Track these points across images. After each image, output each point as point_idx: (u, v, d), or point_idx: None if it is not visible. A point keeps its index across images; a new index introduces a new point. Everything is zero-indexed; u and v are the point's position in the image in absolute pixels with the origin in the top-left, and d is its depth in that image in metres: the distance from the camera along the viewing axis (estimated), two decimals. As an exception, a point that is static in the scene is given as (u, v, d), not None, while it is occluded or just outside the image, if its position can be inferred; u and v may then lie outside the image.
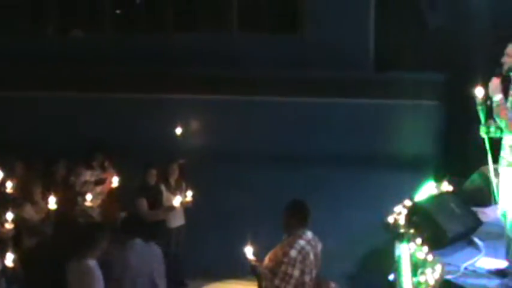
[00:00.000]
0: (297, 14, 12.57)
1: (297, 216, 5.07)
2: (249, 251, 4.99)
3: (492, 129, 5.74)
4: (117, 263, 5.89)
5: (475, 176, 8.67)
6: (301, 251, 4.97)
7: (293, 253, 4.94)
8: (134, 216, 7.15)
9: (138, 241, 6.03)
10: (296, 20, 12.57)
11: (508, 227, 5.76)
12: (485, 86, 5.61)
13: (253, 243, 4.99)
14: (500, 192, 5.86)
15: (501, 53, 5.64)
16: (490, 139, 5.88)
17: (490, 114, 5.69)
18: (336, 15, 12.11)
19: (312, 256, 5.05)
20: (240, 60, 12.02)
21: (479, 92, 5.67)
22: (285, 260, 4.93)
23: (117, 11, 14.55)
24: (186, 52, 12.30)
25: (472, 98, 5.85)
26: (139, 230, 6.19)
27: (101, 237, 5.47)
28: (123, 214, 7.47)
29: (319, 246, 5.17)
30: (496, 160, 5.89)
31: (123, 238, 6.04)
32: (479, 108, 5.71)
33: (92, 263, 5.33)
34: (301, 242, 5.00)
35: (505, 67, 5.56)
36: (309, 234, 5.09)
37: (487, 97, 5.61)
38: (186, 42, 12.59)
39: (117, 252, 5.93)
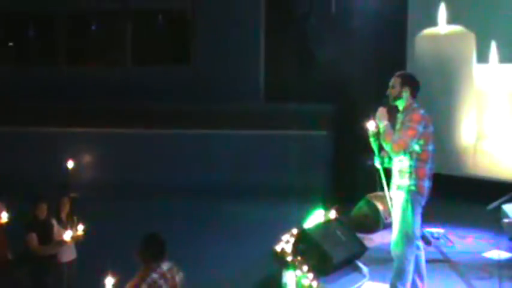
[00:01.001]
0: (189, 47, 12.70)
1: (150, 250, 5.09)
2: (109, 283, 4.99)
3: (386, 160, 6.07)
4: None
5: (361, 204, 9.01)
6: (152, 284, 4.99)
7: (143, 287, 4.95)
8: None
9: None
10: (188, 52, 12.70)
11: (392, 246, 6.00)
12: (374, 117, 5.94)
13: (113, 274, 4.95)
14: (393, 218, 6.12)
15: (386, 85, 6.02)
16: (384, 169, 6.18)
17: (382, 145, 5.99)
18: (227, 47, 12.32)
19: None
20: (134, 93, 12.04)
21: (371, 125, 5.99)
22: None
23: (10, 44, 14.41)
24: (80, 86, 12.23)
25: (358, 127, 6.16)
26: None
27: None
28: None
29: (178, 277, 5.20)
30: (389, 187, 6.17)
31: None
32: (371, 139, 6.04)
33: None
34: (154, 275, 5.01)
35: (390, 98, 5.94)
36: (165, 266, 5.11)
37: (377, 126, 5.94)
38: (79, 76, 12.52)
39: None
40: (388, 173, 6.19)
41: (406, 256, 5.88)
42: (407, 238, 5.85)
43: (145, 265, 5.04)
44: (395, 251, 5.93)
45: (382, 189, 6.40)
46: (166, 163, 11.35)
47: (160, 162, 11.39)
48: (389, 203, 6.52)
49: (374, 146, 6.07)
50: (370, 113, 6.02)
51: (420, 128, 5.74)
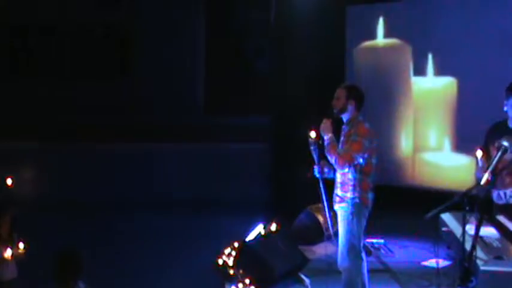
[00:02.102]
0: (128, 61, 12.59)
1: (67, 268, 4.96)
2: None
3: (326, 169, 6.04)
4: None
5: (302, 215, 9.03)
6: None
7: None
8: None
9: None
10: (127, 66, 12.58)
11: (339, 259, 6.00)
12: (317, 128, 5.93)
13: None
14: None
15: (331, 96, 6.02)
16: (324, 179, 6.16)
17: (323, 155, 5.98)
18: (166, 60, 12.25)
19: None
20: (74, 107, 11.87)
21: (312, 133, 5.97)
22: None
23: None
24: (19, 100, 12.00)
25: (298, 139, 6.16)
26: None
27: None
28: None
29: None
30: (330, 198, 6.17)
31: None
32: (312, 149, 6.00)
33: None
34: None
35: (335, 109, 5.94)
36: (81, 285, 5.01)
37: (320, 137, 5.92)
38: (20, 90, 12.27)
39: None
40: (328, 183, 6.21)
41: (354, 268, 5.90)
42: (354, 250, 5.86)
43: (62, 284, 4.88)
44: (342, 264, 5.93)
45: (322, 200, 6.41)
46: (106, 178, 11.16)
47: (100, 177, 11.19)
48: (327, 214, 6.57)
49: (314, 155, 6.04)
50: (311, 123, 6.03)
51: (367, 143, 5.77)
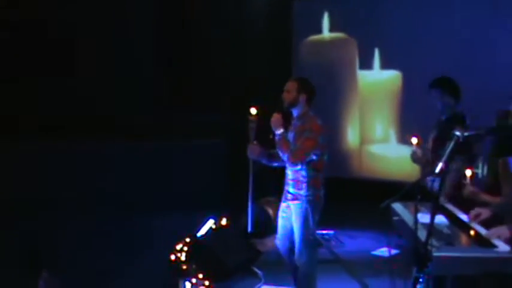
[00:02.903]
0: (73, 56, 12.36)
1: (31, 259, 4.91)
2: None
3: (258, 151, 5.97)
4: None
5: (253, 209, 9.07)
6: None
7: None
8: None
9: None
10: (72, 62, 12.35)
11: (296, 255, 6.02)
12: (258, 106, 5.88)
13: None
14: (279, 224, 6.15)
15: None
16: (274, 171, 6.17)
17: (258, 135, 5.98)
18: (118, 57, 12.10)
19: None
20: (18, 104, 11.64)
21: (253, 110, 5.97)
22: None
23: None
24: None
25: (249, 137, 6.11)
26: None
27: None
28: None
29: None
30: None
31: None
32: (250, 126, 5.99)
33: None
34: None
35: (285, 103, 5.85)
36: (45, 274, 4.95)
37: (258, 118, 5.90)
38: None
39: None
40: (277, 175, 6.20)
41: (312, 262, 5.96)
42: (310, 245, 5.91)
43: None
44: (301, 259, 5.95)
45: (273, 194, 6.43)
46: (58, 176, 10.94)
47: (48, 175, 10.98)
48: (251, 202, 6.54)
49: (251, 133, 6.00)
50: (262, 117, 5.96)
51: (320, 139, 5.74)
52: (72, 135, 11.46)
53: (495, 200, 5.14)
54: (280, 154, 5.77)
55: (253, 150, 6.03)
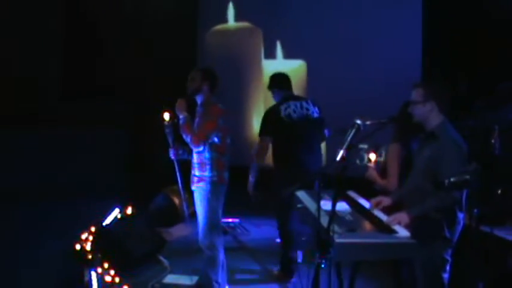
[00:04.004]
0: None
1: None
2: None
3: (180, 151, 6.10)
4: None
5: (158, 198, 9.05)
6: None
7: None
8: None
9: None
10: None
11: (200, 237, 6.07)
12: (171, 110, 5.95)
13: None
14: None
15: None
16: (179, 161, 6.20)
17: (177, 137, 6.01)
18: (20, 42, 11.78)
19: None
20: None
21: (166, 115, 5.97)
22: None
23: None
24: None
25: (155, 124, 6.14)
26: None
27: None
28: None
29: None
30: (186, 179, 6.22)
31: None
32: (167, 131, 6.02)
33: None
34: None
35: (189, 91, 5.98)
36: None
37: (175, 117, 5.94)
38: None
39: None
40: (184, 165, 6.26)
41: (216, 246, 6.01)
42: (215, 228, 5.99)
43: None
44: (204, 242, 6.01)
45: (177, 182, 6.45)
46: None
47: None
48: (182, 195, 6.63)
49: (169, 137, 6.08)
50: (166, 106, 6.04)
51: (220, 122, 5.89)
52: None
53: (387, 183, 5.36)
54: (184, 137, 5.90)
55: (176, 153, 6.12)
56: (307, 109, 6.80)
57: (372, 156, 5.46)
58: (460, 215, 4.66)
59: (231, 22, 11.40)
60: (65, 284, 6.37)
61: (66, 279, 6.44)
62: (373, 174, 5.47)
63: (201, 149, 5.87)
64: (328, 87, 10.29)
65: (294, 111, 6.73)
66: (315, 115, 6.84)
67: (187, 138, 5.86)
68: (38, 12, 11.86)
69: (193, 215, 6.44)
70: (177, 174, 6.30)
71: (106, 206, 7.72)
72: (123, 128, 11.10)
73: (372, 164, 5.45)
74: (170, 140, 6.10)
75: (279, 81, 6.96)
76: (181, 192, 6.60)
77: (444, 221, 4.59)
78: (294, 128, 6.67)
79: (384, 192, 5.17)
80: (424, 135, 4.78)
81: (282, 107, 6.73)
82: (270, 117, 6.79)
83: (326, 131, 6.99)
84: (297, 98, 6.92)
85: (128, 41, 11.41)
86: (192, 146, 5.89)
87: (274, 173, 6.84)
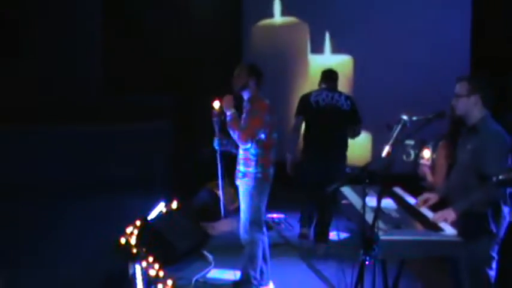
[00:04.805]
0: (20, 39, 12.09)
1: None
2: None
3: (225, 141, 6.07)
4: None
5: (203, 193, 9.07)
6: None
7: None
8: None
9: None
10: (19, 45, 12.08)
11: (241, 232, 6.07)
12: (221, 99, 5.96)
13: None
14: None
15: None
16: (222, 153, 6.23)
17: (223, 127, 6.00)
18: (62, 38, 11.91)
19: None
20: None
21: (216, 104, 6.02)
22: None
23: None
24: None
25: (198, 117, 6.15)
26: None
27: None
28: None
29: None
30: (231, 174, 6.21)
31: None
32: (214, 120, 6.05)
33: None
34: None
35: (236, 87, 5.99)
36: None
37: (222, 111, 5.95)
38: None
39: None
40: (228, 158, 6.24)
41: (256, 242, 5.99)
42: (256, 224, 5.96)
43: None
44: (245, 237, 6.01)
45: (218, 174, 6.44)
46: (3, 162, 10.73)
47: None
48: (221, 187, 6.62)
49: (216, 126, 6.09)
50: (215, 97, 6.04)
51: (267, 118, 5.87)
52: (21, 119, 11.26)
53: (435, 180, 5.28)
54: (231, 133, 5.89)
55: (220, 143, 6.10)
56: (337, 101, 7.51)
57: (426, 153, 5.41)
58: (505, 209, 4.58)
59: (277, 17, 11.35)
60: (109, 277, 6.43)
61: (110, 273, 6.50)
62: (425, 170, 5.41)
63: (248, 145, 5.85)
64: (374, 83, 10.18)
65: (323, 100, 7.51)
66: (344, 107, 7.48)
67: (235, 135, 5.85)
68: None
69: (237, 210, 6.44)
70: (219, 165, 6.30)
71: (151, 200, 7.77)
72: (168, 122, 11.14)
73: (425, 161, 5.41)
74: (216, 129, 6.10)
75: (323, 76, 7.78)
76: (221, 186, 6.59)
77: (489, 214, 4.52)
78: (318, 113, 7.50)
79: (431, 189, 5.09)
80: (466, 130, 4.71)
81: (314, 93, 7.63)
82: (302, 99, 7.72)
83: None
84: (331, 90, 7.63)
85: (173, 37, 11.44)
86: (239, 143, 5.88)
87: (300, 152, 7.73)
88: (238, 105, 6.00)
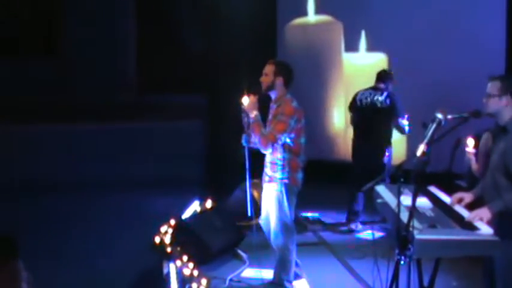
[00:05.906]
0: (56, 38, 12.24)
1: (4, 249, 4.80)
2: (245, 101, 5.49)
3: (252, 138, 5.84)
4: None
5: (237, 192, 9.07)
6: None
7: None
8: None
9: None
10: (55, 43, 12.24)
11: (272, 238, 6.02)
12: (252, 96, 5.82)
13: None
14: (262, 206, 6.14)
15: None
16: (251, 150, 6.02)
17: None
18: (96, 37, 12.02)
19: None
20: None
21: (245, 100, 5.77)
22: None
23: None
24: None
25: (231, 116, 6.07)
26: None
27: None
28: None
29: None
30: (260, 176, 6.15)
31: None
32: (243, 115, 5.81)
33: None
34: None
35: (263, 86, 5.81)
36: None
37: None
38: None
39: None
40: (256, 156, 6.14)
41: (288, 247, 5.92)
42: (286, 229, 5.87)
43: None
44: (276, 242, 5.95)
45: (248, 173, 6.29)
46: (32, 159, 10.86)
47: (26, 157, 10.89)
48: (248, 184, 6.46)
49: (244, 123, 5.85)
50: (245, 90, 5.88)
51: (292, 122, 5.67)
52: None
53: (477, 169, 5.23)
54: (253, 137, 5.75)
55: (248, 140, 5.92)
56: (375, 99, 8.04)
57: (470, 142, 5.41)
58: None
59: (311, 15, 11.31)
60: (144, 276, 6.46)
61: (145, 272, 6.53)
62: (471, 158, 5.39)
63: (269, 151, 5.70)
64: (409, 81, 10.08)
65: (365, 99, 8.12)
66: (378, 105, 7.94)
67: (256, 140, 5.70)
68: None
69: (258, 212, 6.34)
70: (247, 161, 6.09)
71: (185, 199, 7.80)
72: (203, 120, 11.18)
73: (470, 149, 5.40)
74: (245, 126, 5.86)
75: (376, 76, 8.33)
76: (248, 185, 6.41)
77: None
78: (358, 112, 8.24)
79: (465, 188, 5.04)
80: (496, 130, 4.65)
81: (360, 93, 8.25)
82: (353, 98, 8.37)
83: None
84: (374, 89, 8.19)
85: (207, 37, 11.47)
86: (259, 147, 5.72)
87: None
88: (267, 105, 5.89)
